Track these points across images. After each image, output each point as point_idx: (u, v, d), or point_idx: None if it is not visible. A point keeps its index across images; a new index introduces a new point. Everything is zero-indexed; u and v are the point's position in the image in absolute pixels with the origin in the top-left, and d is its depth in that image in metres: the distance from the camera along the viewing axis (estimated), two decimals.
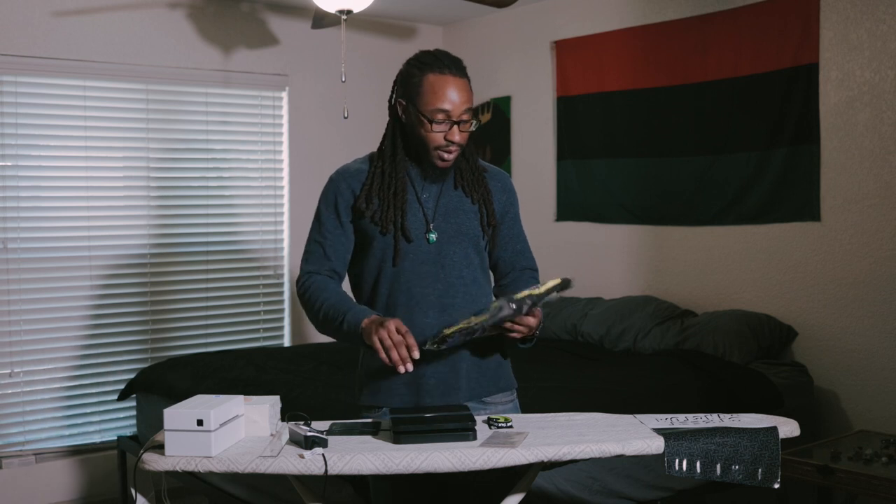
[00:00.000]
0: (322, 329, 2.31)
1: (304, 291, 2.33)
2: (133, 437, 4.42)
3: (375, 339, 2.12)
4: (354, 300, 2.34)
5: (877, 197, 3.88)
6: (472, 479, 2.26)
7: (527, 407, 2.52)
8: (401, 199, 2.30)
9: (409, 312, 2.31)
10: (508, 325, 2.17)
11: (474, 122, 2.30)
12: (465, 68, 2.31)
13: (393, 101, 2.37)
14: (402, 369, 2.10)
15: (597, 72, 4.98)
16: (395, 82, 2.36)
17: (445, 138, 2.25)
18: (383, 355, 2.11)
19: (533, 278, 2.48)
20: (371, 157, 2.40)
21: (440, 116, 2.23)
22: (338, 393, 3.61)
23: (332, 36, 5.24)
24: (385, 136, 2.38)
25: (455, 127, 2.25)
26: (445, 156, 2.28)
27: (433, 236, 2.33)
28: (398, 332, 2.12)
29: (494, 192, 2.43)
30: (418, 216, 2.33)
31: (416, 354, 2.11)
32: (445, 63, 2.26)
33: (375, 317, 2.18)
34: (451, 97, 2.24)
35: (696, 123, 4.51)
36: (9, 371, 4.52)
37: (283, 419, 2.21)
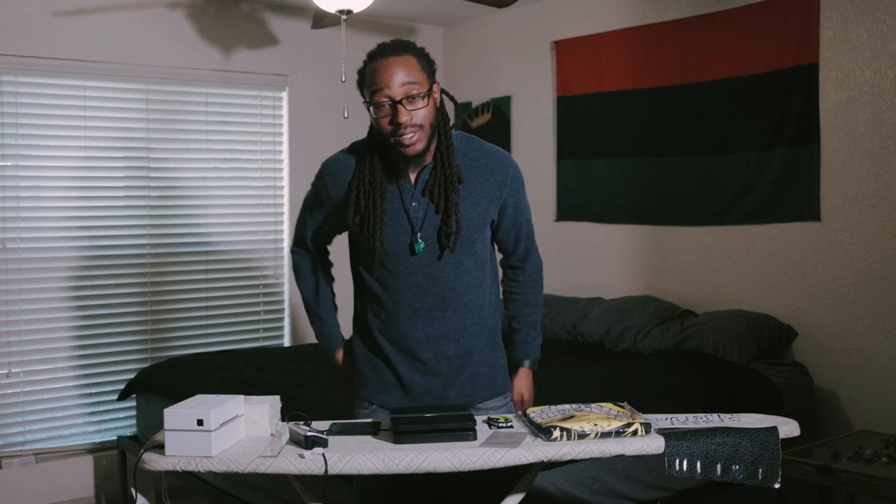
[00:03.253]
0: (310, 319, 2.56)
1: (295, 264, 2.54)
2: (133, 437, 4.42)
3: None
4: (333, 311, 2.55)
5: (877, 197, 3.88)
6: (471, 480, 2.26)
7: (527, 407, 2.52)
8: (380, 209, 2.22)
9: (397, 321, 2.30)
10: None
11: (424, 97, 2.15)
12: (409, 46, 2.19)
13: None
14: None
15: (597, 72, 4.98)
16: None
17: (392, 122, 2.15)
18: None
19: (531, 291, 2.48)
20: (358, 148, 2.32)
21: (379, 98, 2.14)
22: (338, 393, 3.60)
23: (332, 36, 5.24)
24: (362, 143, 2.33)
25: (399, 107, 2.12)
26: (404, 140, 2.15)
27: (420, 246, 2.25)
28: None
29: (492, 188, 2.30)
30: (405, 227, 2.25)
31: None
32: (386, 48, 2.18)
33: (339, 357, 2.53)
34: (384, 78, 2.13)
35: (696, 123, 4.51)
36: (6, 371, 4.52)
37: (283, 419, 2.21)
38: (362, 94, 2.22)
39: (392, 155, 2.23)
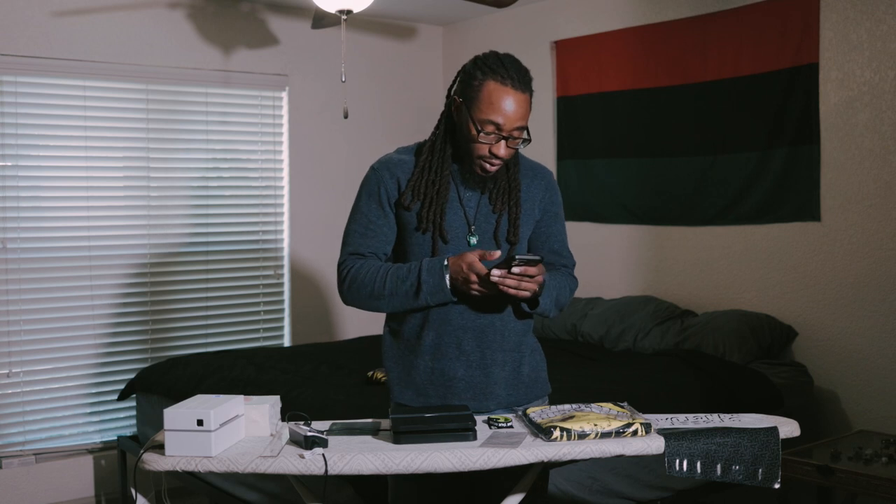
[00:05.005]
0: (383, 299, 2.24)
1: (349, 270, 2.28)
2: (133, 437, 4.42)
3: (475, 288, 2.15)
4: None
5: (877, 197, 3.88)
6: (491, 478, 2.25)
7: (527, 407, 2.51)
8: (443, 197, 2.26)
9: (444, 312, 2.27)
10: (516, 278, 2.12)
11: (524, 140, 2.23)
12: (529, 81, 2.22)
13: (451, 93, 2.31)
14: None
15: (597, 72, 4.98)
16: (458, 76, 2.28)
17: (490, 151, 2.20)
18: (475, 288, 2.15)
19: (569, 275, 2.43)
20: (416, 150, 2.34)
21: (490, 128, 2.17)
22: (337, 393, 3.61)
23: (332, 36, 5.24)
24: (436, 128, 2.32)
25: (503, 142, 2.19)
26: (487, 167, 2.23)
27: (474, 239, 2.28)
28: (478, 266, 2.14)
29: (536, 191, 2.37)
30: (459, 216, 2.29)
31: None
32: (510, 73, 2.18)
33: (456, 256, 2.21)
34: (505, 110, 2.16)
35: (696, 123, 4.51)
36: (7, 371, 4.52)
37: (283, 419, 2.21)
38: (465, 95, 2.21)
39: (465, 161, 2.27)
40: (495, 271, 2.11)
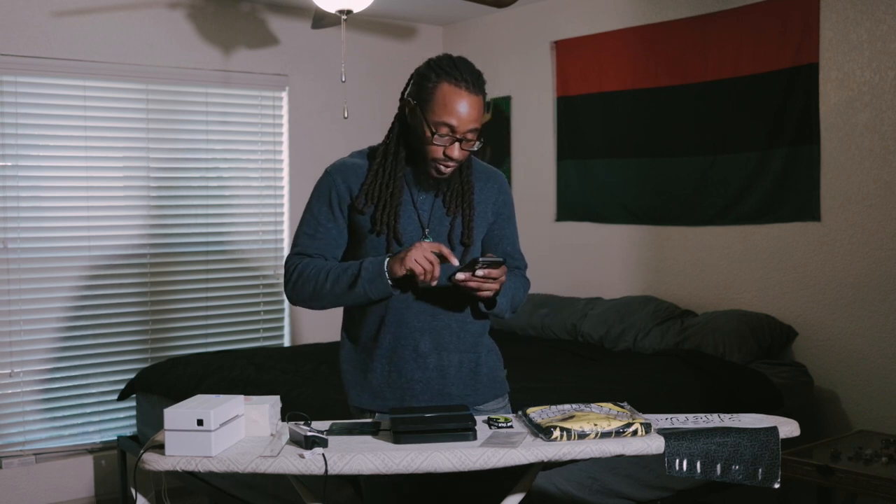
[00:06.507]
0: (325, 293, 2.25)
1: (296, 267, 2.29)
2: (133, 437, 4.43)
3: (410, 261, 2.10)
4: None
5: (877, 197, 3.88)
6: (475, 478, 2.25)
7: (527, 407, 2.51)
8: (396, 200, 2.27)
9: (400, 315, 2.29)
10: (480, 279, 2.13)
11: (478, 142, 2.23)
12: (483, 84, 2.23)
13: (404, 96, 2.31)
14: (433, 283, 2.14)
15: (597, 72, 4.98)
16: (411, 79, 2.29)
17: (444, 153, 2.21)
18: (424, 277, 2.11)
19: (522, 276, 2.45)
20: (370, 153, 2.36)
21: (444, 130, 2.18)
22: (338, 393, 3.60)
23: (332, 36, 5.24)
24: (390, 131, 2.33)
25: (457, 144, 2.20)
26: (442, 168, 2.24)
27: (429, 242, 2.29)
28: (431, 252, 2.12)
29: (489, 194, 2.38)
30: (413, 219, 2.30)
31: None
32: (464, 76, 2.19)
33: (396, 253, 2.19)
34: (459, 112, 2.17)
35: (696, 123, 4.51)
36: (9, 371, 4.52)
37: (283, 419, 2.21)
38: (419, 97, 2.21)
39: (419, 163, 2.27)
40: (459, 275, 2.13)
